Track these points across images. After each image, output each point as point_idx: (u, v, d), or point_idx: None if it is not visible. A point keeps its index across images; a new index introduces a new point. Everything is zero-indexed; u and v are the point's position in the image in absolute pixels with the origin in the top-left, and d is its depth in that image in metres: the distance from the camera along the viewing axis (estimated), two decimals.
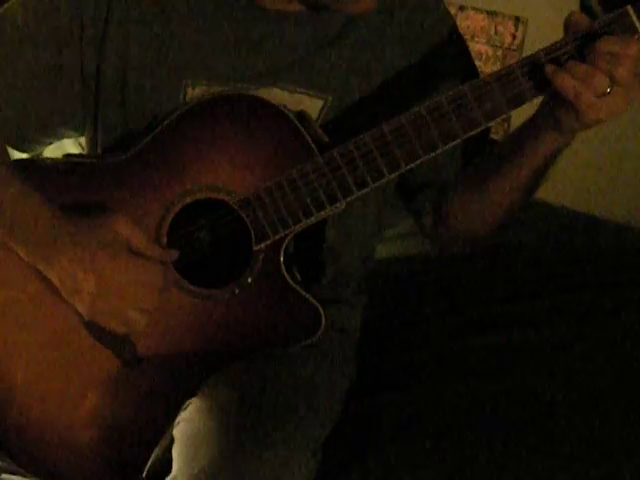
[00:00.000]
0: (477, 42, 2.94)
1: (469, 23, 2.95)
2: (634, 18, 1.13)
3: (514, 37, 2.88)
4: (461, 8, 2.96)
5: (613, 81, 1.11)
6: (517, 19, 2.88)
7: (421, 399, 1.48)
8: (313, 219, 1.25)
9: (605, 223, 2.28)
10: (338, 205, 1.25)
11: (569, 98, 1.12)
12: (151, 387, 1.30)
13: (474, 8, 2.95)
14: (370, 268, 1.55)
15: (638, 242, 2.16)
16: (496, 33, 2.92)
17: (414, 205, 1.46)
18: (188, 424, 1.20)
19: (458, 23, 2.90)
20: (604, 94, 1.12)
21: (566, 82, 1.12)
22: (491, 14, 2.92)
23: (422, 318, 1.80)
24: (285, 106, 1.28)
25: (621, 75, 1.10)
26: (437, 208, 1.44)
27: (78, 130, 1.39)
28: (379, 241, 1.56)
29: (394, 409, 1.46)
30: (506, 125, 2.66)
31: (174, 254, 1.28)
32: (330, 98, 1.33)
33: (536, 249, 2.09)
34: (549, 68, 1.14)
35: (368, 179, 1.23)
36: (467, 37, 2.93)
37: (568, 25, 1.15)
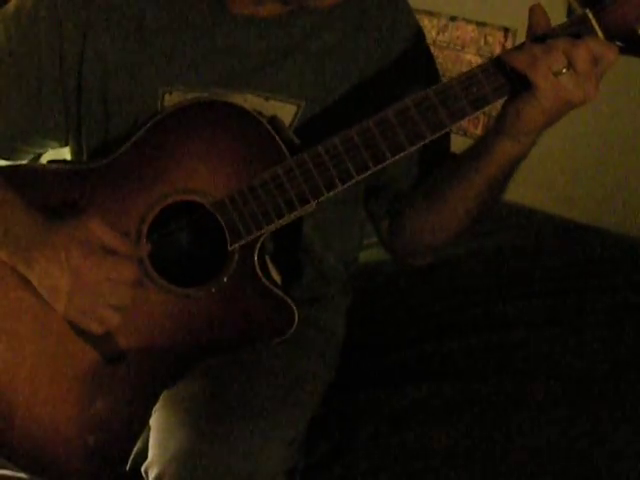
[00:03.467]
0: (467, 52, 2.96)
1: (459, 34, 2.98)
2: (593, 21, 1.15)
3: (503, 47, 2.90)
4: (452, 19, 2.99)
5: (570, 63, 1.12)
6: (506, 30, 2.90)
7: (403, 397, 1.52)
8: (285, 220, 1.29)
9: (585, 228, 2.30)
10: (309, 206, 1.28)
11: (523, 70, 1.13)
12: (132, 382, 1.34)
13: (464, 19, 2.97)
14: (353, 270, 1.57)
15: (618, 246, 2.18)
16: (486, 43, 2.94)
17: (369, 209, 1.49)
18: (162, 412, 1.24)
19: (449, 33, 2.97)
20: (559, 73, 1.12)
21: (521, 57, 1.14)
22: (481, 25, 2.95)
23: (405, 319, 1.84)
24: (258, 111, 1.32)
25: (578, 57, 1.11)
26: (393, 215, 1.46)
27: (61, 141, 1.42)
28: (360, 245, 1.59)
29: (377, 407, 1.50)
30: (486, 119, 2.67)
31: (146, 247, 1.31)
32: (303, 104, 1.36)
33: (516, 253, 2.11)
34: (503, 51, 1.16)
35: (337, 181, 1.26)
36: (457, 47, 2.97)
37: (531, 16, 1.17)
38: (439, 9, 2.95)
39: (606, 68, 1.14)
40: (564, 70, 1.12)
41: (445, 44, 2.95)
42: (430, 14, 2.96)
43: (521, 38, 2.88)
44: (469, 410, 1.49)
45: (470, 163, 1.29)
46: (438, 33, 2.97)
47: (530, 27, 1.18)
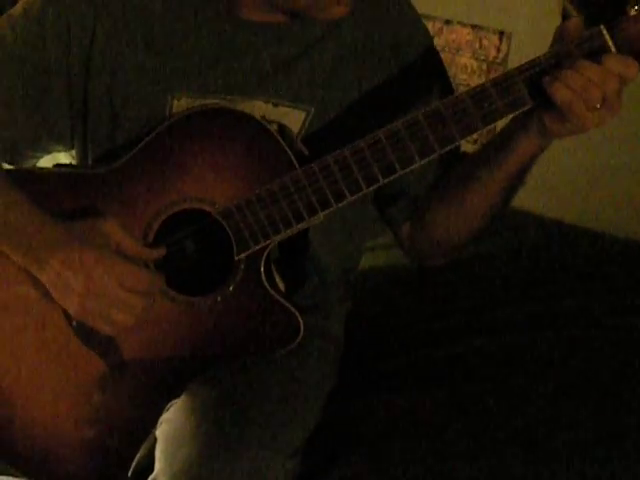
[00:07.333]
0: (462, 55, 2.96)
1: (455, 37, 2.98)
2: (607, 37, 1.15)
3: (499, 50, 2.91)
4: (447, 22, 2.99)
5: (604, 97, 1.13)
6: (501, 33, 2.90)
7: (402, 403, 1.52)
8: (293, 230, 1.28)
9: (582, 231, 2.31)
10: (316, 217, 1.28)
11: (562, 108, 1.14)
12: (136, 390, 1.33)
13: (460, 22, 2.97)
14: (353, 277, 1.57)
15: (614, 250, 2.19)
16: (481, 47, 2.94)
17: (387, 216, 1.49)
18: (170, 424, 1.24)
19: (444, 37, 2.98)
20: (595, 108, 1.13)
21: (561, 92, 1.13)
22: (476, 28, 2.95)
23: (404, 325, 1.84)
24: (267, 120, 1.31)
25: (610, 90, 1.12)
26: (414, 219, 1.46)
27: (67, 145, 1.41)
28: (362, 252, 1.59)
29: (375, 412, 1.50)
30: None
31: (161, 251, 1.31)
32: (312, 110, 1.35)
33: (514, 258, 2.12)
34: (545, 78, 1.15)
35: (346, 192, 1.26)
36: (453, 51, 2.97)
37: (562, 31, 1.17)
38: (434, 13, 2.95)
39: (626, 83, 1.15)
40: (598, 105, 1.13)
41: (440, 48, 2.94)
42: (425, 17, 2.96)
43: (516, 41, 2.87)
44: (466, 416, 1.49)
45: (493, 160, 1.28)
46: (433, 37, 2.96)
47: (555, 44, 1.18)
